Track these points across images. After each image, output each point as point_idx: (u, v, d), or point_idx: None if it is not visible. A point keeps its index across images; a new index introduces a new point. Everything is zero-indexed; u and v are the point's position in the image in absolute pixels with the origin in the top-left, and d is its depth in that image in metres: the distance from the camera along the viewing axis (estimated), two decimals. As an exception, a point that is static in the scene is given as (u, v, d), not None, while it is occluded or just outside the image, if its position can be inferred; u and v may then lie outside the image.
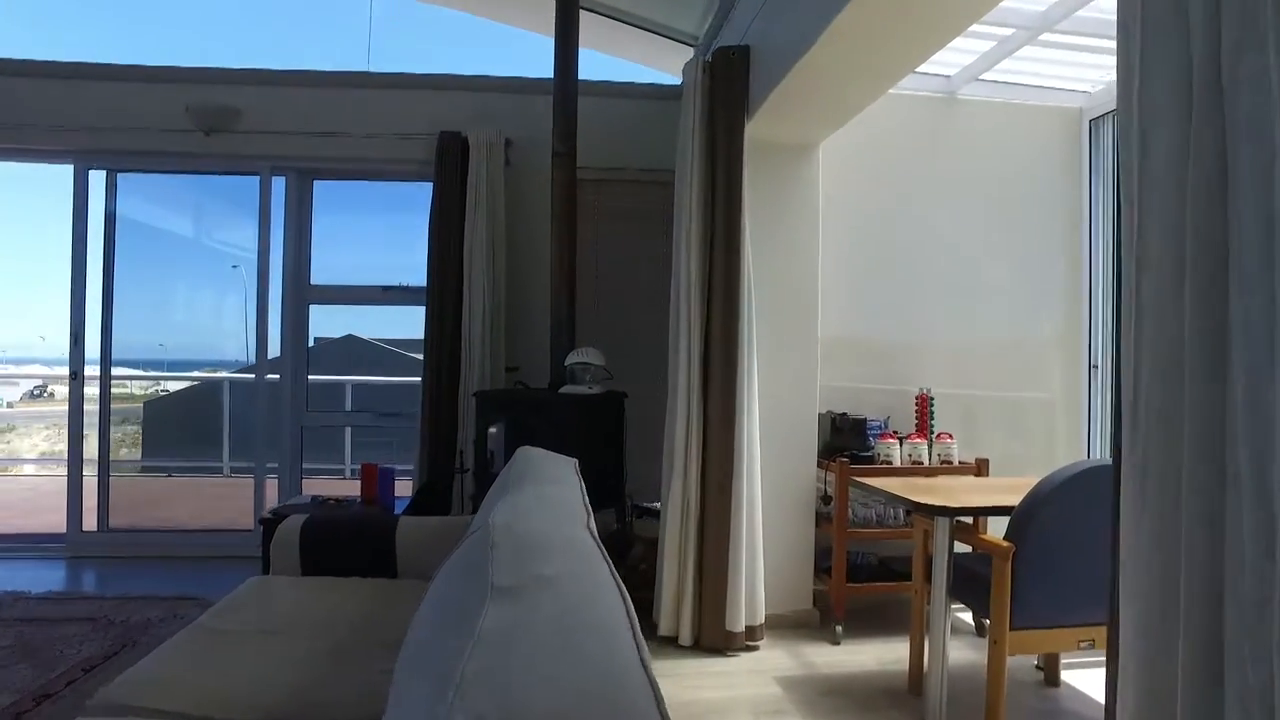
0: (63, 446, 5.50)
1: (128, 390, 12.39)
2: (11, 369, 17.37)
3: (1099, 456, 4.27)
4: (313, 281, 4.95)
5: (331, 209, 5.06)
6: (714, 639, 3.43)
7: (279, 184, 4.85)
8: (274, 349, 4.95)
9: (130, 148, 4.67)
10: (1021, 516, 2.57)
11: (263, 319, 4.84)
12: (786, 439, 3.72)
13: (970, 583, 2.78)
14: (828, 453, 3.76)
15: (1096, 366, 4.31)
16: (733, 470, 3.37)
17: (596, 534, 1.54)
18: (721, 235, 3.48)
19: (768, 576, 3.61)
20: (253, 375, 5.08)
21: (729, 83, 3.53)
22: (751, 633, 3.48)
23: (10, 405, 16.15)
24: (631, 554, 3.81)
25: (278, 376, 4.91)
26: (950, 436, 3.77)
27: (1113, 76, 4.17)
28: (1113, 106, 4.22)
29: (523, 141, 4.69)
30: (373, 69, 4.88)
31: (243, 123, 4.70)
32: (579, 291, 4.80)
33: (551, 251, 4.20)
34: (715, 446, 3.41)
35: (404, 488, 4.29)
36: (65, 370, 4.83)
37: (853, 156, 4.13)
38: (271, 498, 4.84)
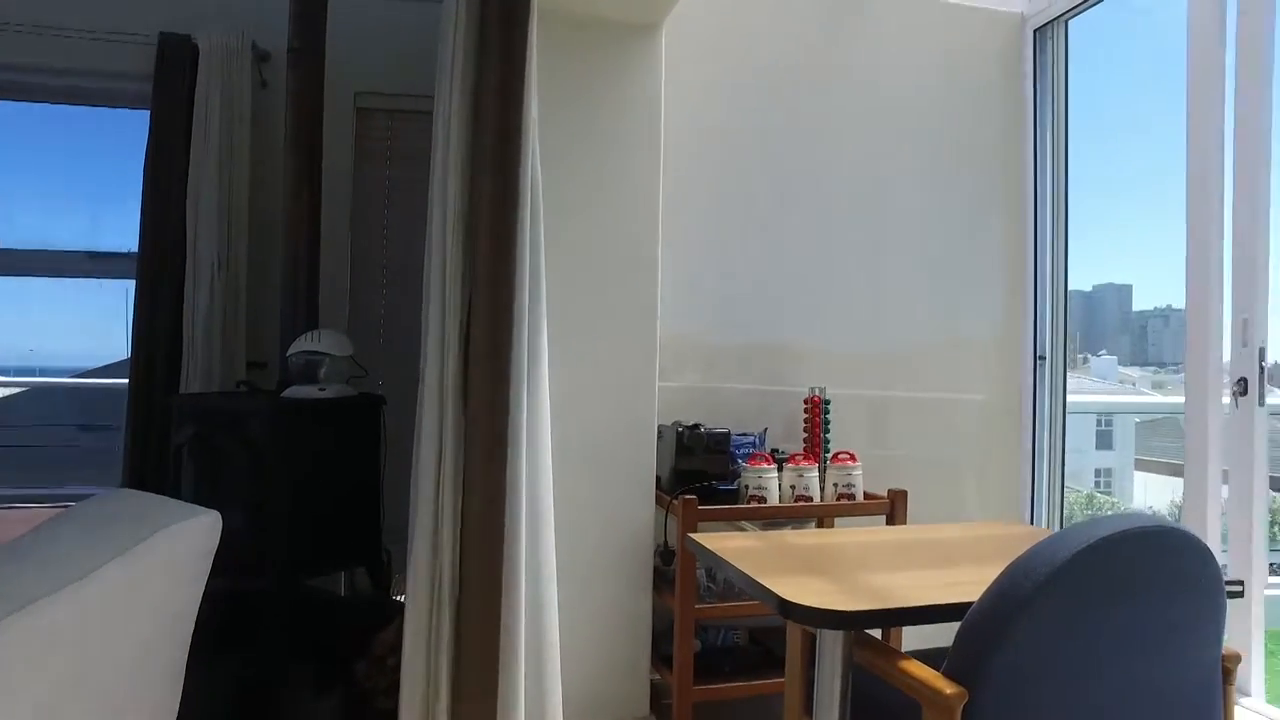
0: None
1: None
2: None
3: (1065, 487, 3.04)
4: (-10, 244, 3.39)
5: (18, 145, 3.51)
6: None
7: (-68, 105, 3.29)
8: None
9: None
10: (978, 633, 1.24)
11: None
12: (604, 465, 2.35)
13: (883, 737, 1.45)
14: (673, 483, 2.40)
15: (1044, 358, 3.08)
16: (504, 517, 1.96)
17: None
18: (491, 156, 2.08)
19: (580, 671, 2.24)
20: None
21: (513, -86, 2.14)
22: (546, 767, 2.09)
23: None
24: (379, 640, 2.38)
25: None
26: (853, 458, 2.45)
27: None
28: (1064, 9, 2.99)
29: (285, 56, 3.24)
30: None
31: None
32: (361, 263, 3.39)
33: (285, 193, 2.76)
34: (477, 481, 2.00)
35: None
36: None
37: (718, 66, 2.80)
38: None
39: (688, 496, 2.21)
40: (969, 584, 1.31)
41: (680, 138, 2.61)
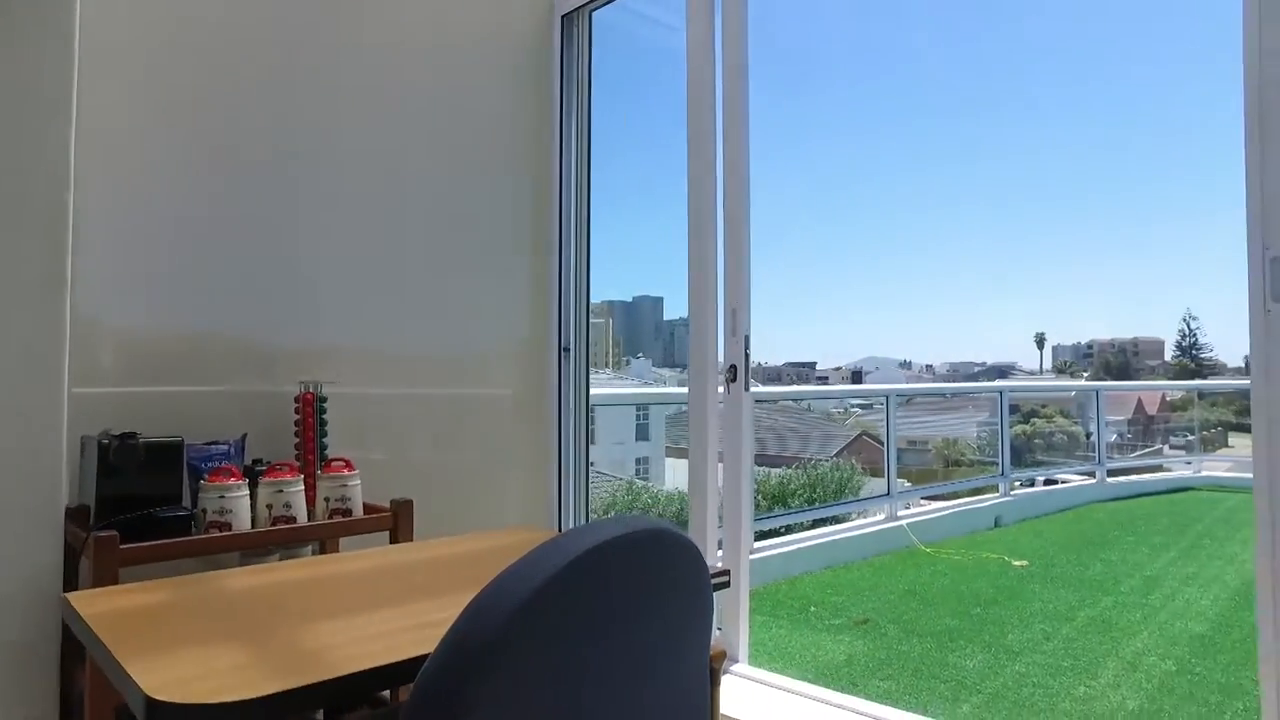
0: None
1: None
2: None
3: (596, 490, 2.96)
4: None
5: None
6: None
7: None
8: None
9: None
10: (431, 699, 0.92)
11: None
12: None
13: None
14: (101, 515, 1.73)
15: (568, 349, 2.99)
16: None
17: None
18: None
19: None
20: None
21: None
22: None
23: None
24: None
25: None
26: (349, 465, 2.03)
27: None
28: (589, -3, 2.93)
29: None
30: None
31: None
32: None
33: None
34: None
35: None
36: None
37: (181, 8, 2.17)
38: None
39: (103, 533, 1.59)
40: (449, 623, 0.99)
41: (118, 83, 1.95)
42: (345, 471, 1.99)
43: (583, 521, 3.06)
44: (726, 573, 1.44)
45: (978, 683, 3.05)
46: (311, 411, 2.09)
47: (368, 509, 2.04)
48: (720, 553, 2.69)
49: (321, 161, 2.41)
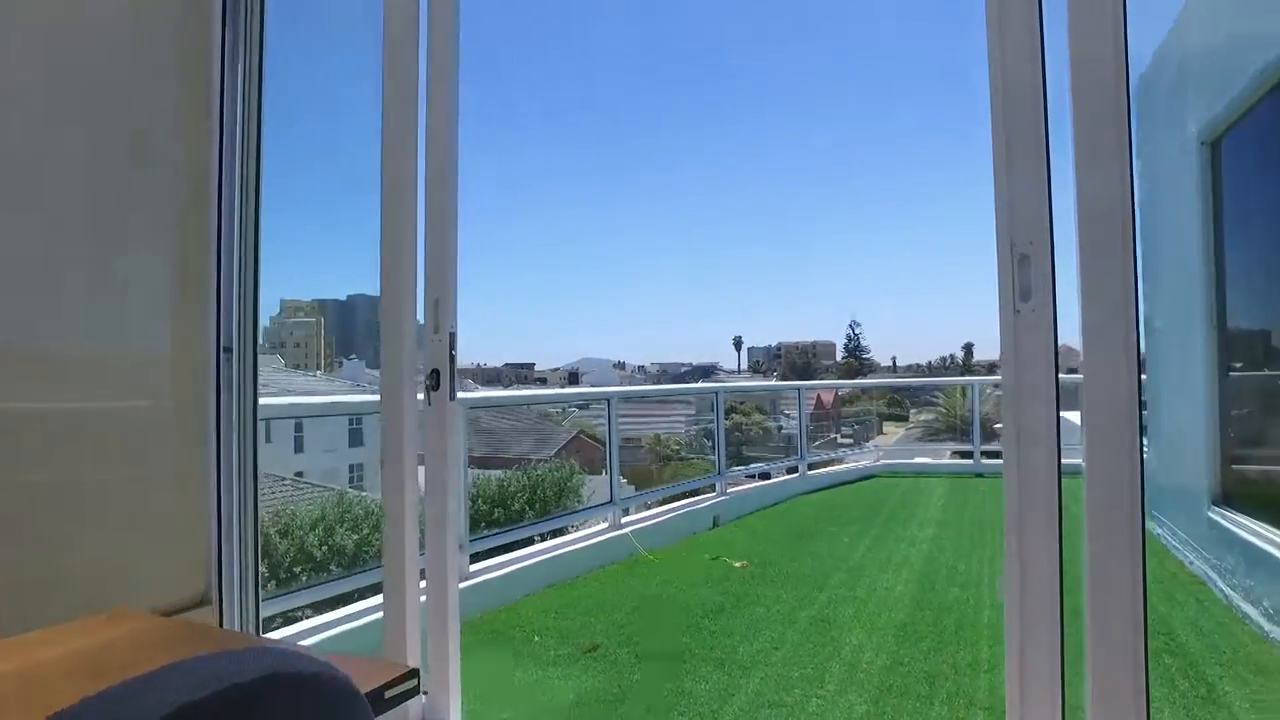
0: None
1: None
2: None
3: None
4: None
5: None
6: None
7: None
8: None
9: None
10: None
11: None
12: None
13: None
14: None
15: (230, 349, 2.33)
16: None
17: None
18: None
19: None
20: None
21: None
22: None
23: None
24: None
25: None
26: None
27: None
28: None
29: None
30: None
31: None
32: None
33: None
34: None
35: None
36: None
37: None
38: None
39: None
40: None
41: None
42: None
43: (250, 569, 2.41)
44: (414, 674, 1.00)
45: (715, 711, 2.87)
46: None
47: None
48: (424, 584, 2.23)
49: None
